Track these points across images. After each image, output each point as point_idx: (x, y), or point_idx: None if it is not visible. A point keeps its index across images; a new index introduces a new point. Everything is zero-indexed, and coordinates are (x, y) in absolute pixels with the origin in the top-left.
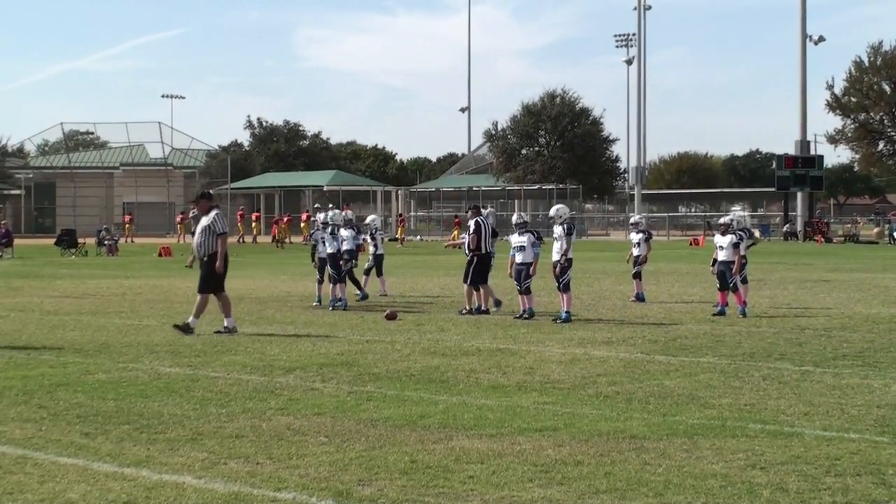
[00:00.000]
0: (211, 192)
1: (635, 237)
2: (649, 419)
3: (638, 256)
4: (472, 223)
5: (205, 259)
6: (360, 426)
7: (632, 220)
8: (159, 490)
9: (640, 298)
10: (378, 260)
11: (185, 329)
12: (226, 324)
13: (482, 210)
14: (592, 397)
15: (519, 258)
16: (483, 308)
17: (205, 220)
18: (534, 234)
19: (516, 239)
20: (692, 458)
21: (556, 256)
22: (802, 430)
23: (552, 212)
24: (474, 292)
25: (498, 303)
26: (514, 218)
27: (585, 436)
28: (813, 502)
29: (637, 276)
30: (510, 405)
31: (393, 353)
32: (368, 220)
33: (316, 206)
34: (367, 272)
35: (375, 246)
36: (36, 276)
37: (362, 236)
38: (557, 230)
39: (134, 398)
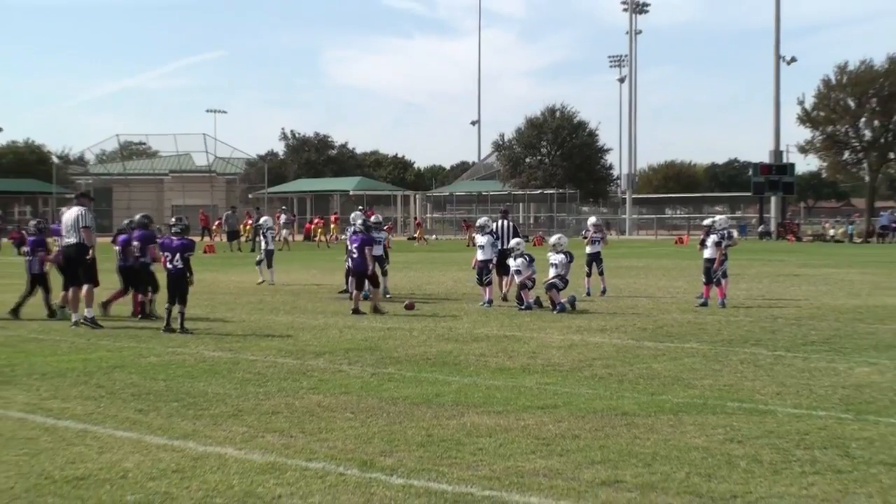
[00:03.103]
0: (90, 193)
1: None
2: (639, 398)
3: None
4: None
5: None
6: (382, 404)
7: (591, 223)
8: (204, 460)
9: (602, 292)
10: (268, 254)
11: (94, 324)
12: (74, 317)
13: (508, 213)
14: (588, 378)
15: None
16: (501, 296)
17: None
18: (526, 258)
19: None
20: (677, 433)
21: (551, 275)
22: (775, 408)
23: (552, 240)
24: (502, 282)
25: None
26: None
27: (582, 413)
28: (784, 472)
29: (600, 272)
30: (515, 385)
31: (411, 339)
32: (262, 220)
33: (283, 207)
34: (258, 264)
35: (266, 242)
36: None
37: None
38: (558, 257)
39: (182, 379)
